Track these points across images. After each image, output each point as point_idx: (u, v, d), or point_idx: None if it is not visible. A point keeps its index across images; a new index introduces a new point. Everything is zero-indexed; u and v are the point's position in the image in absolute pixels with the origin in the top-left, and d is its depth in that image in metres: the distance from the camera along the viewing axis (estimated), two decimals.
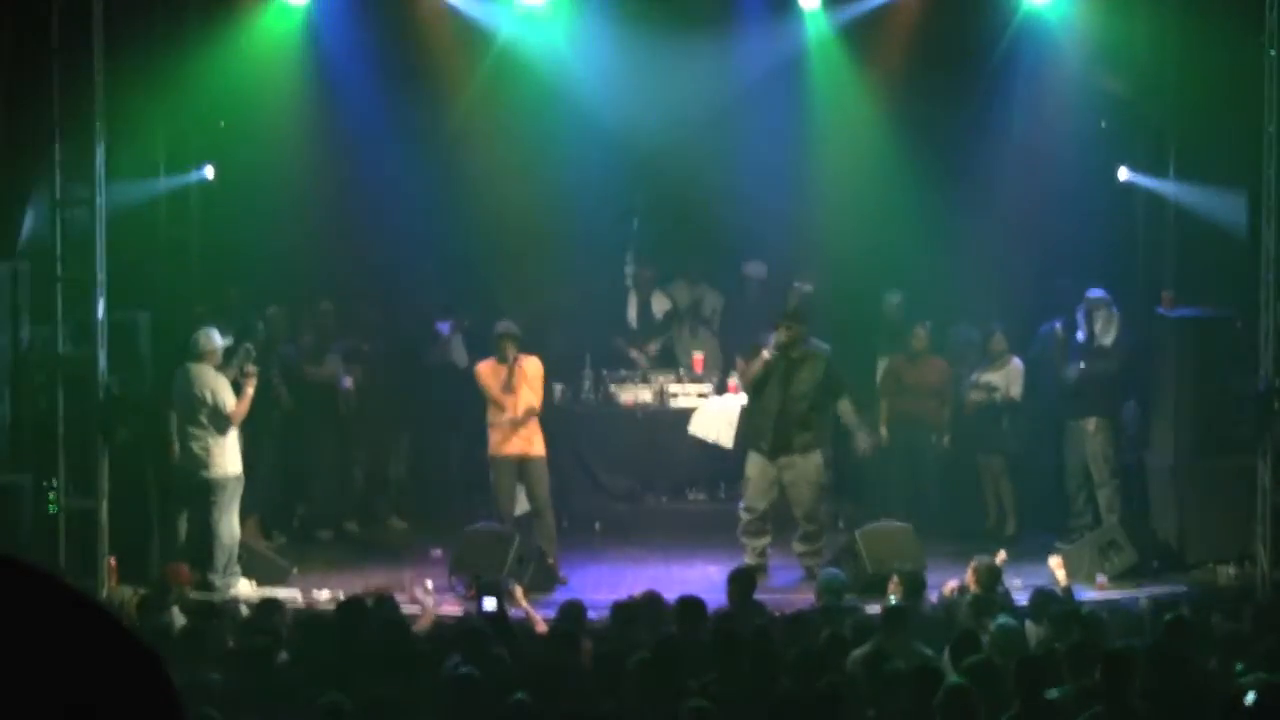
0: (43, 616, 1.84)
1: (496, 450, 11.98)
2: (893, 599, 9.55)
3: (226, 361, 11.38)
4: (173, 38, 12.75)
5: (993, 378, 12.95)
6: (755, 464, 11.93)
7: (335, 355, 13.21)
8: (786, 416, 11.73)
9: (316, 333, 13.26)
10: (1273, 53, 11.02)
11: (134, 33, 11.74)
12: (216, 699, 7.24)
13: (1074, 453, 12.74)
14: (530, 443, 11.95)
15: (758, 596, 9.79)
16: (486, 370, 12.01)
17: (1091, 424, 12.58)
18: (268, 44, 13.37)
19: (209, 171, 13.56)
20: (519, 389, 11.86)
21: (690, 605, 8.70)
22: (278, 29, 13.38)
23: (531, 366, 11.97)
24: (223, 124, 13.53)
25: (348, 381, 13.12)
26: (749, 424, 12.24)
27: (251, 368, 11.36)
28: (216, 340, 11.36)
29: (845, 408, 12.11)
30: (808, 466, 11.80)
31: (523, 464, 11.96)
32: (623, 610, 8.98)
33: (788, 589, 11.55)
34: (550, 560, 11.81)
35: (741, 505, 12.05)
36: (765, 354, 11.73)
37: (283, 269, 13.72)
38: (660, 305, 14.48)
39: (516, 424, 11.87)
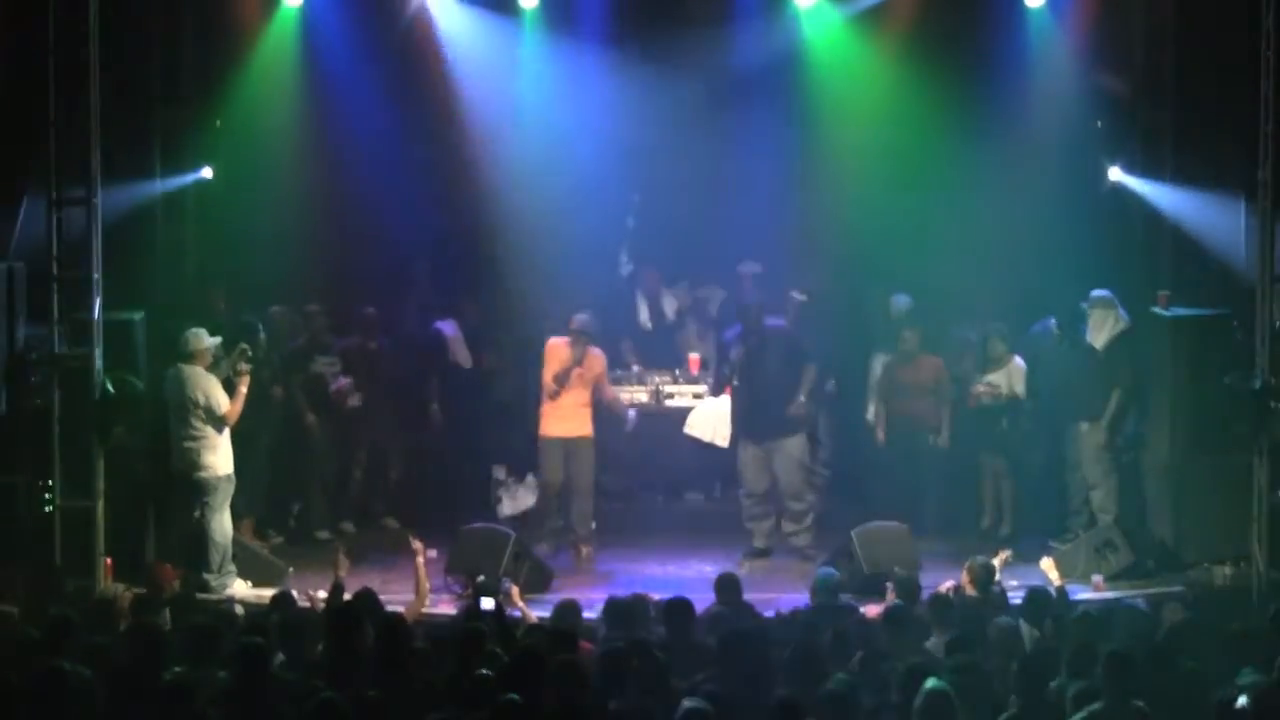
0: None
1: (543, 431, 12.44)
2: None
3: (217, 362, 11.36)
4: (170, 37, 12.74)
5: (994, 377, 12.93)
6: (746, 450, 12.35)
7: (330, 356, 13.19)
8: (762, 400, 12.13)
9: (308, 333, 13.25)
10: (1269, 53, 11.02)
11: (131, 32, 11.74)
12: (215, 698, 7.22)
13: (1072, 453, 12.73)
14: (579, 425, 12.43)
15: (762, 581, 9.82)
16: (553, 350, 12.39)
17: (1084, 425, 12.58)
18: (264, 43, 13.37)
19: (206, 171, 13.56)
20: (575, 380, 12.31)
21: (677, 607, 8.67)
22: (274, 29, 13.37)
23: (595, 361, 12.43)
24: (219, 123, 13.52)
25: (342, 382, 13.10)
26: (735, 415, 12.53)
27: (244, 367, 11.33)
28: (205, 340, 11.33)
29: (809, 374, 12.24)
30: (791, 447, 12.23)
31: (569, 444, 12.39)
32: (614, 610, 8.94)
33: (787, 569, 11.91)
34: (581, 543, 12.37)
35: (741, 492, 12.41)
36: (732, 354, 12.23)
37: (280, 269, 13.69)
38: (671, 306, 14.52)
39: (562, 409, 12.34)
